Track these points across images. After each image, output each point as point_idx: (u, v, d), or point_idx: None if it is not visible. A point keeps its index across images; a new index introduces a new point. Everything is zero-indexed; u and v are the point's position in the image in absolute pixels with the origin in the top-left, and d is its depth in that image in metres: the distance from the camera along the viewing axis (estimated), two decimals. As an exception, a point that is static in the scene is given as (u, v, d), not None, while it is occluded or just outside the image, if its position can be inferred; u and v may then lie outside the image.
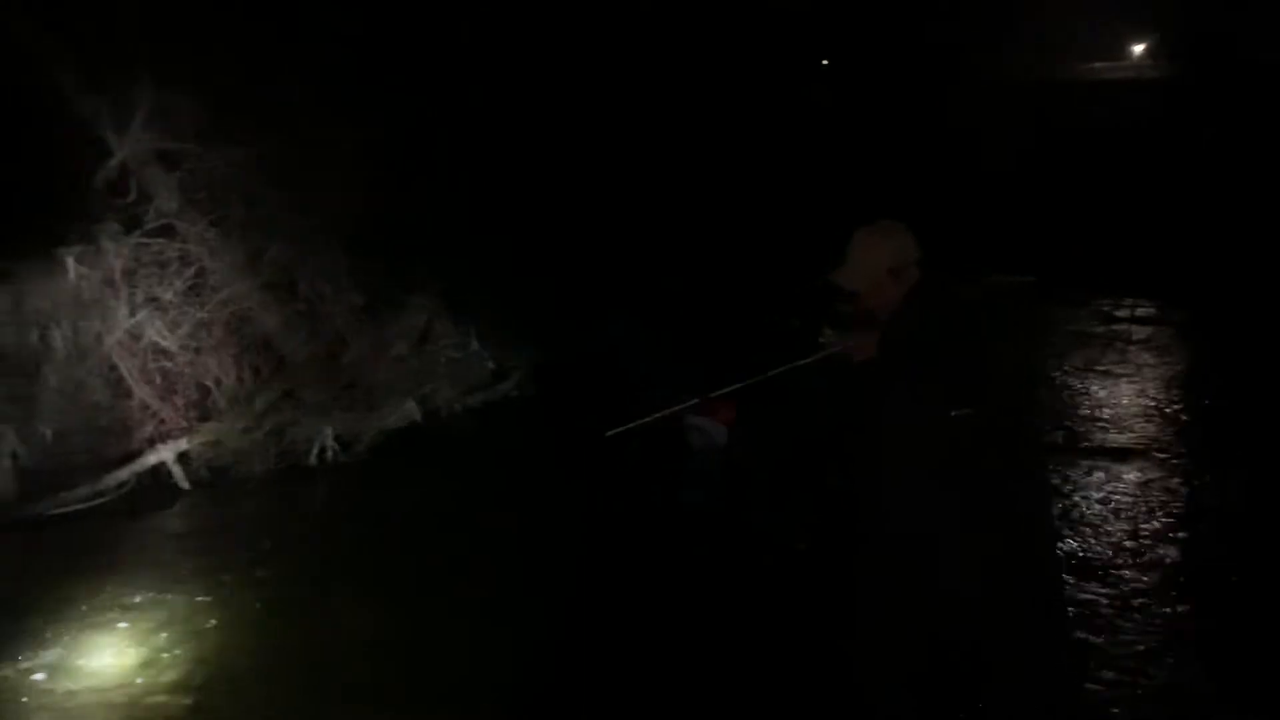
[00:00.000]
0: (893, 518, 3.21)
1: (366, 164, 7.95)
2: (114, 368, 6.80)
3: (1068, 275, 12.20)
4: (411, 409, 7.63)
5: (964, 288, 3.44)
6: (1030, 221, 14.15)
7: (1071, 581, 4.80)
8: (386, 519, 6.10)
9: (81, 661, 4.46)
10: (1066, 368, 8.81)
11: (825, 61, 17.47)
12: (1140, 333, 10.22)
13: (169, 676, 4.30)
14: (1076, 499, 5.90)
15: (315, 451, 7.04)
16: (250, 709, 4.06)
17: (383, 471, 6.93)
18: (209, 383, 7.06)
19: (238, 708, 4.09)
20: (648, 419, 3.49)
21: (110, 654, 4.52)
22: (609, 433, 3.55)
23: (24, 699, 4.16)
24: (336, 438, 7.13)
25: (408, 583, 5.14)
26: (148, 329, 6.91)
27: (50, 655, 4.49)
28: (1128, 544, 5.26)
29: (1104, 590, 4.74)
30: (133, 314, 6.89)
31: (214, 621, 4.81)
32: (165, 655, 4.48)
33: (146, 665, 4.41)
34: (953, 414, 3.02)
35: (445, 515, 6.07)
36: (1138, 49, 25.40)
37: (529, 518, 5.86)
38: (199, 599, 5.03)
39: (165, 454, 6.62)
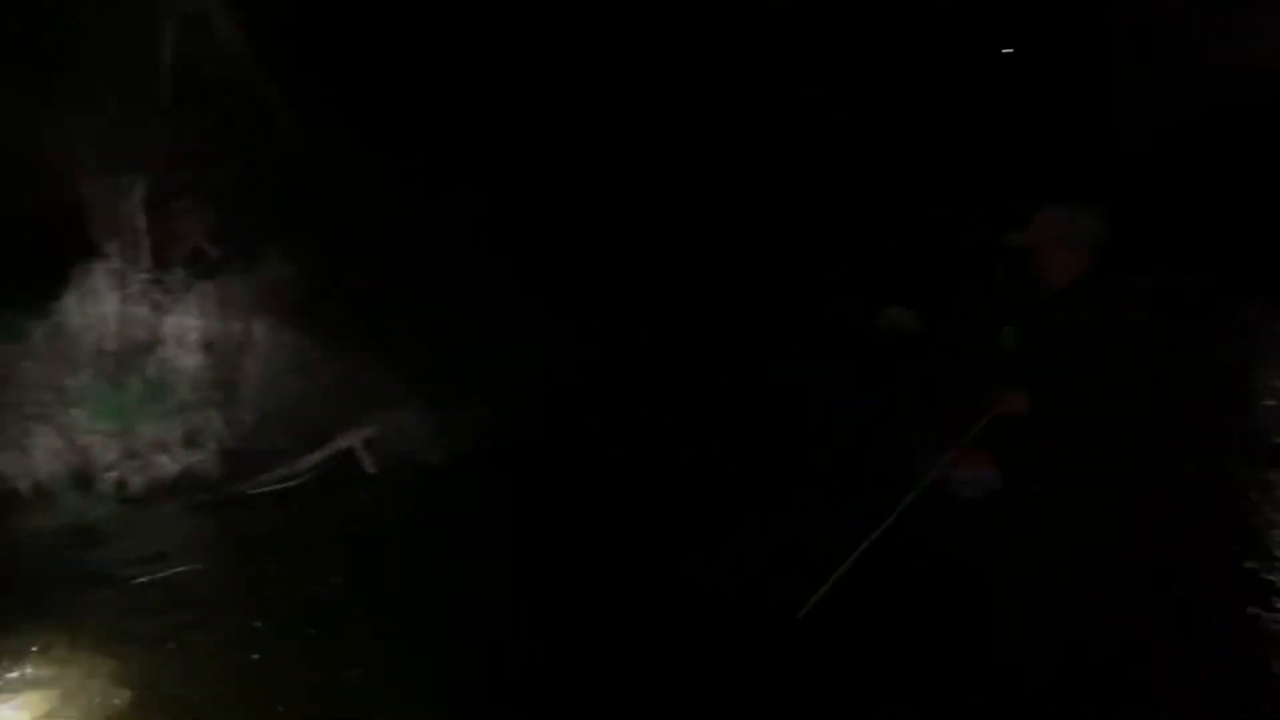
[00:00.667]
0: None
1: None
2: (309, 357, 7.27)
3: (1258, 273, 11.49)
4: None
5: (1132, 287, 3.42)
6: (1212, 214, 13.33)
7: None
8: (555, 505, 6.27)
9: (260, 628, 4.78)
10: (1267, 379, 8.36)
11: (1008, 50, 16.88)
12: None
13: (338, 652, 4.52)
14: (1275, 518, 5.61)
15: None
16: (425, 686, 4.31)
17: (549, 458, 7.15)
18: (394, 373, 7.44)
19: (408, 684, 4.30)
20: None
21: (283, 626, 4.80)
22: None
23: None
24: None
25: (578, 568, 5.30)
26: (338, 320, 7.37)
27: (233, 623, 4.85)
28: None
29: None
30: (325, 308, 7.35)
31: (394, 596, 5.07)
32: (333, 630, 4.74)
33: (320, 635, 4.68)
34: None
35: (605, 499, 6.27)
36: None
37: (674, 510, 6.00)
38: (376, 577, 5.30)
39: (354, 440, 7.03)
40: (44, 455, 6.62)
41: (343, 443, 6.95)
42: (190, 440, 6.94)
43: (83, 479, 6.66)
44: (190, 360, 7.24)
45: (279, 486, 6.64)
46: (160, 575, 5.37)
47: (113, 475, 6.66)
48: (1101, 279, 3.32)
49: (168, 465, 6.76)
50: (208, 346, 7.30)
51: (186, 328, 7.23)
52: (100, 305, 7.09)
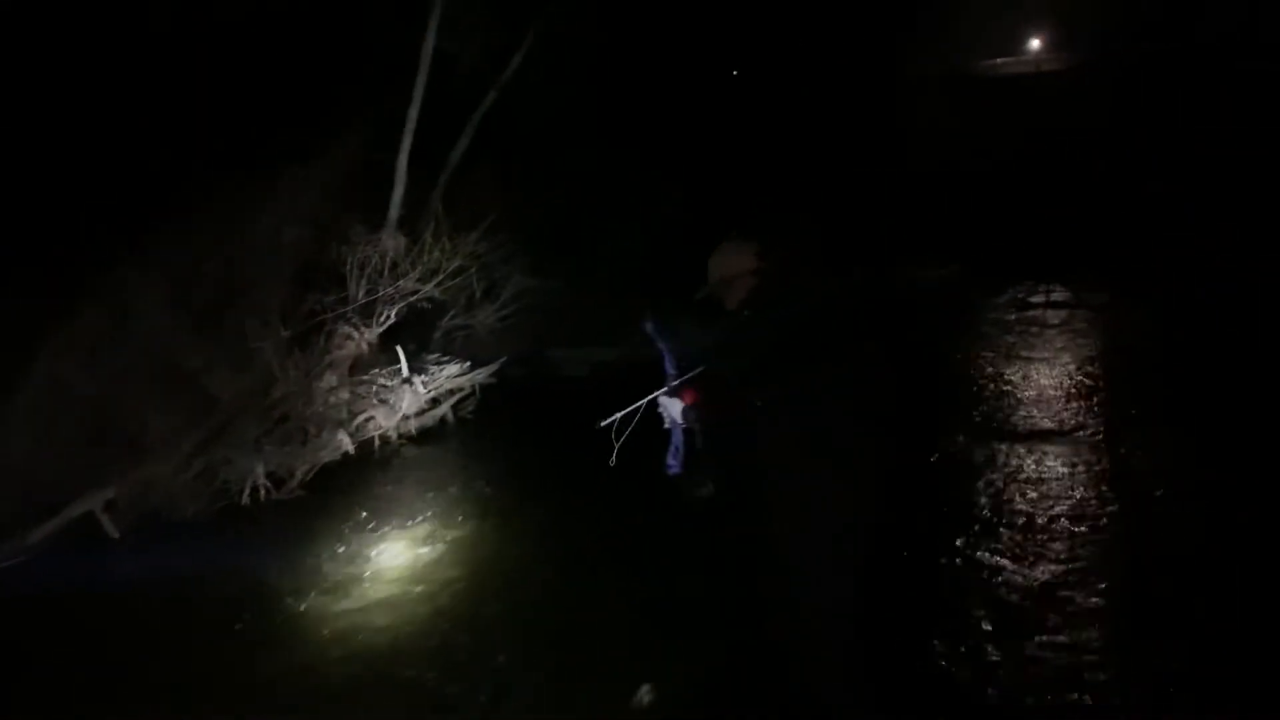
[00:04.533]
0: None
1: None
2: (37, 414, 6.62)
3: (983, 263, 12.58)
4: (343, 441, 7.55)
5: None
6: (946, 211, 14.48)
7: (989, 560, 5.00)
8: (318, 558, 6.02)
9: None
10: (983, 354, 9.06)
11: (735, 72, 17.62)
12: (1055, 318, 10.46)
13: None
14: (994, 481, 6.03)
15: (247, 490, 6.93)
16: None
17: (315, 507, 6.85)
18: (136, 425, 6.89)
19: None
20: (630, 408, 3.88)
21: None
22: (602, 423, 3.88)
23: None
24: (269, 475, 7.03)
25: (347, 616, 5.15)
26: (70, 373, 6.74)
27: None
28: (1045, 523, 5.39)
29: (1020, 570, 4.89)
30: (55, 359, 6.71)
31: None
32: None
33: None
34: None
35: (373, 546, 6.16)
36: (1034, 44, 26.22)
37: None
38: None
39: (92, 503, 6.45)
40: None
41: (80, 507, 6.38)
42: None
43: None
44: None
45: (9, 563, 6.02)
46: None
47: None
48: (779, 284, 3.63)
49: None
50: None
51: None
52: None
